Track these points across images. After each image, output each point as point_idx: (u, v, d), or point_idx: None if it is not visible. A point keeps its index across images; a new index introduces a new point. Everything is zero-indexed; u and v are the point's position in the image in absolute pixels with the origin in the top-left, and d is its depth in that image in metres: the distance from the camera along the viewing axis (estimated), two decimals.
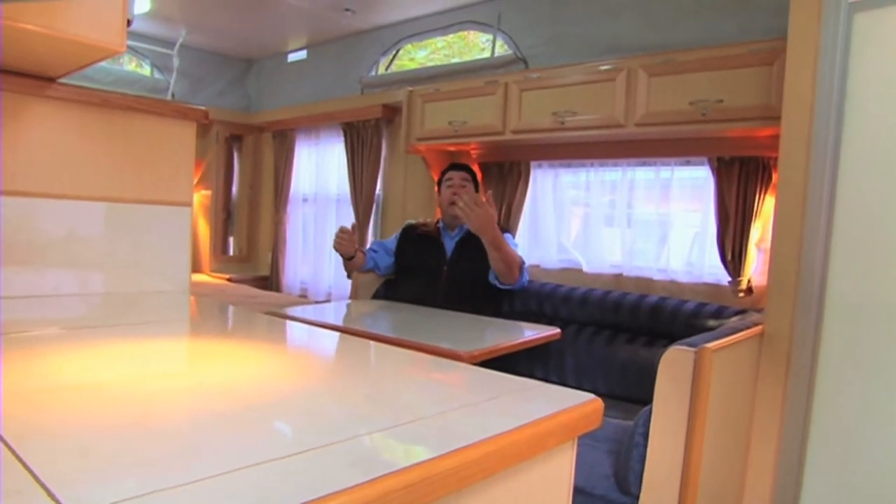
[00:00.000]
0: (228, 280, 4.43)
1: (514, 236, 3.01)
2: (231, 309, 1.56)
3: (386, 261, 2.95)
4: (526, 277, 2.70)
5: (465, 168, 2.86)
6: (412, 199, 3.70)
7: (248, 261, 4.87)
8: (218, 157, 4.60)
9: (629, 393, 2.50)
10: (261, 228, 4.84)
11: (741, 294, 2.40)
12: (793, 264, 1.82)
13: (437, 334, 2.14)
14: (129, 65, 4.42)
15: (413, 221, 3.58)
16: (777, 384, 1.79)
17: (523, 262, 2.66)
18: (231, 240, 4.94)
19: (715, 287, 2.54)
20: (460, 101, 2.98)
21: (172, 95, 4.19)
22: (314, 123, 4.24)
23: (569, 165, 2.99)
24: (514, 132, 2.78)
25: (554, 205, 3.06)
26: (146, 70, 4.42)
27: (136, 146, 1.48)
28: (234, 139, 4.77)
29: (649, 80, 2.34)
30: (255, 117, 4.60)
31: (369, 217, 3.91)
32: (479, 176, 3.03)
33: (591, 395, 0.79)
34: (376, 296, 3.07)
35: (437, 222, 2.90)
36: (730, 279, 2.43)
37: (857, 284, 1.71)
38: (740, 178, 2.37)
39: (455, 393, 0.83)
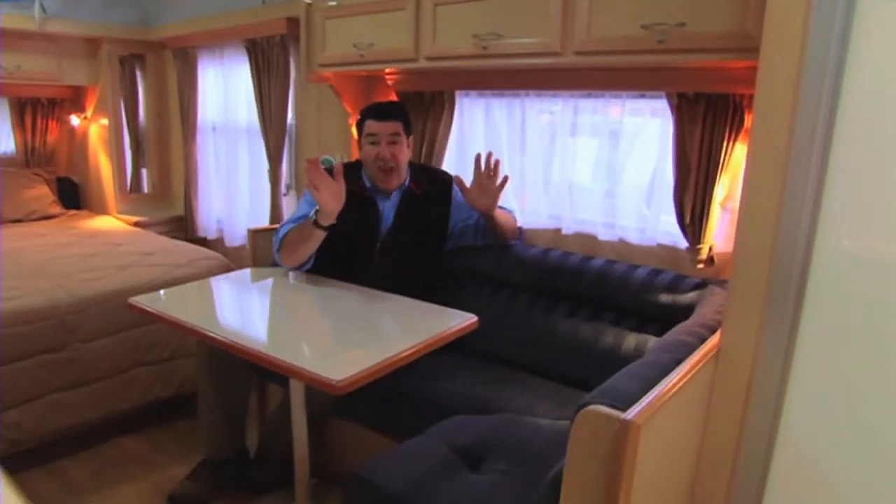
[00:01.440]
0: (135, 225, 3.89)
1: None
2: None
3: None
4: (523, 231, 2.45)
5: (394, 115, 2.23)
6: (329, 129, 3.14)
7: (161, 198, 4.31)
8: (113, 81, 3.93)
9: (566, 373, 2.11)
10: (173, 162, 4.24)
11: (700, 265, 1.96)
12: (766, 235, 1.35)
13: (322, 342, 1.68)
14: None
15: (329, 158, 3.05)
16: (731, 424, 1.38)
17: (515, 217, 2.39)
18: (145, 174, 4.35)
19: (672, 251, 2.10)
20: (365, 17, 2.38)
21: (42, 9, 3.47)
22: (217, 40, 3.57)
23: (501, 95, 2.45)
24: (429, 58, 2.22)
25: (486, 142, 2.54)
26: None
27: None
28: (136, 59, 4.07)
29: None
30: (153, 33, 3.89)
31: (282, 151, 3.35)
32: None
33: None
34: None
35: (359, 174, 2.34)
36: (687, 245, 1.98)
37: (854, 269, 1.26)
38: (705, 120, 1.87)
39: None
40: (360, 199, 2.28)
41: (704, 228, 1.92)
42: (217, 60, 3.69)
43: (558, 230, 2.34)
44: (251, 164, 3.61)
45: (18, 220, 3.85)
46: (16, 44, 3.53)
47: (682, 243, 2.01)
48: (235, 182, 3.72)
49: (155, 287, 2.66)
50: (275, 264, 2.29)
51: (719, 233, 1.96)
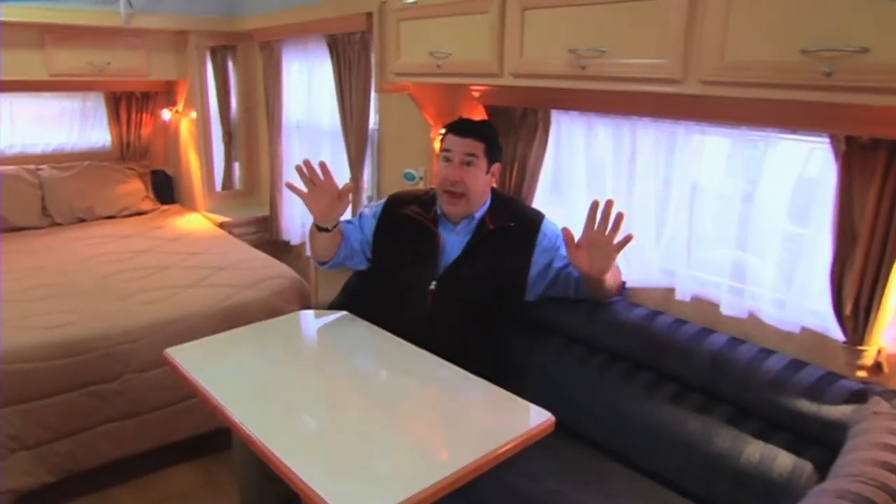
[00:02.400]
0: (220, 226, 3.76)
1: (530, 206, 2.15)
2: None
3: (361, 239, 2.09)
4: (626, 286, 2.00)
5: (476, 133, 1.93)
6: (411, 138, 2.79)
7: (249, 196, 4.17)
8: (201, 74, 3.78)
9: (663, 471, 1.70)
10: (260, 159, 4.07)
11: (861, 372, 1.44)
12: None
13: (347, 452, 1.34)
14: None
15: (413, 172, 2.73)
16: None
17: (618, 269, 1.92)
18: (237, 169, 4.21)
19: (821, 339, 1.58)
20: (442, 20, 1.99)
21: (129, 3, 3.35)
22: (300, 34, 3.31)
23: (607, 115, 1.98)
24: (514, 75, 1.80)
25: (588, 170, 2.09)
26: None
27: None
28: (228, 50, 3.90)
29: (729, 6, 1.29)
30: (238, 23, 3.70)
31: (363, 157, 3.05)
32: None
33: None
34: (346, 291, 2.31)
35: (434, 201, 2.03)
36: (845, 339, 1.47)
37: None
38: (886, 177, 1.34)
39: None
40: (416, 225, 1.97)
41: (872, 324, 1.39)
42: (301, 55, 3.44)
43: (670, 290, 1.87)
44: (333, 169, 3.33)
45: (111, 217, 3.83)
46: (104, 40, 3.46)
47: (837, 332, 1.50)
48: None
49: (210, 316, 2.49)
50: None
51: (893, 330, 1.43)
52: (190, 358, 1.73)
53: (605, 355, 1.91)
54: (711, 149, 1.77)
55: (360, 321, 1.96)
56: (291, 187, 1.91)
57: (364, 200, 3.16)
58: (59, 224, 3.66)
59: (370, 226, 2.10)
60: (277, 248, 3.81)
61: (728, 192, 1.76)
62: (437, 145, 2.34)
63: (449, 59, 1.97)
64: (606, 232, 1.63)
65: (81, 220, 3.74)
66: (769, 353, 1.60)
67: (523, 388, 2.00)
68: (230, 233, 3.70)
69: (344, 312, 2.05)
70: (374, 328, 1.90)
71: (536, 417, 1.47)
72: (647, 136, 1.87)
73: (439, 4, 1.98)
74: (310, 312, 2.13)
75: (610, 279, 1.78)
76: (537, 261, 1.93)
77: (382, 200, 2.18)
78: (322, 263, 2.11)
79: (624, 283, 1.93)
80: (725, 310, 1.73)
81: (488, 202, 2.01)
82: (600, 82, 1.58)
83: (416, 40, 2.11)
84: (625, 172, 1.96)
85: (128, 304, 2.50)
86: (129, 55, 3.57)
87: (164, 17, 3.50)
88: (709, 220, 1.80)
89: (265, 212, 3.92)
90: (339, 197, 1.89)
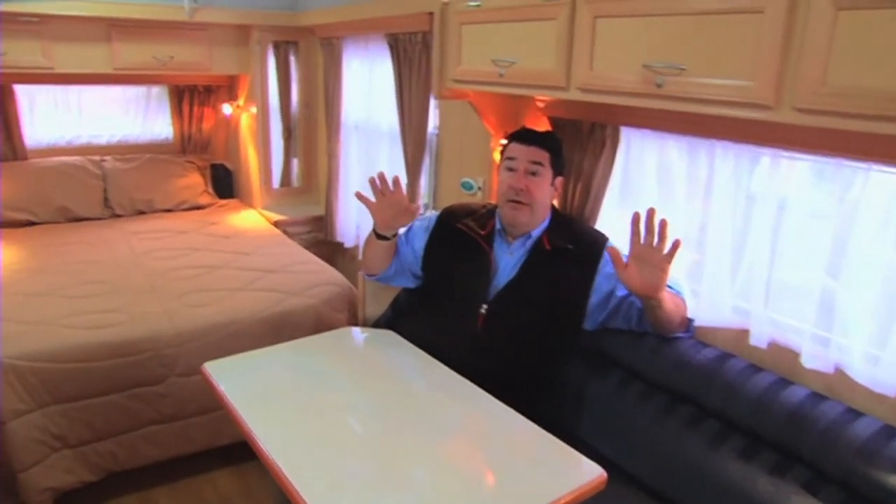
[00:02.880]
0: (275, 224, 3.73)
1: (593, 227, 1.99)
2: None
3: (410, 254, 2.03)
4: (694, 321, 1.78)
5: (542, 142, 1.83)
6: (471, 146, 2.67)
7: (306, 194, 4.13)
8: (262, 69, 3.75)
9: None
10: (318, 157, 4.03)
11: None
12: None
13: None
14: None
15: (471, 182, 2.60)
16: None
17: (684, 301, 1.76)
18: (295, 166, 4.18)
19: None
20: (507, 26, 1.86)
21: None
22: (361, 31, 3.23)
23: (682, 135, 1.81)
24: (582, 89, 1.65)
25: (660, 192, 1.92)
26: None
27: None
28: (290, 45, 3.86)
29: (835, 23, 1.11)
30: (301, 18, 3.65)
31: (420, 163, 2.95)
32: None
33: None
34: (395, 307, 2.21)
35: (492, 216, 1.93)
36: None
37: None
38: None
39: None
40: (468, 242, 1.88)
41: None
42: (362, 53, 3.36)
43: (744, 332, 1.69)
44: (391, 173, 3.24)
45: (169, 210, 3.86)
46: (168, 34, 3.47)
47: None
48: (370, 191, 3.39)
49: (256, 322, 2.45)
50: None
51: None
52: (226, 374, 1.70)
53: (668, 396, 1.75)
54: (800, 177, 1.58)
55: (405, 344, 1.87)
56: (360, 197, 1.90)
57: (420, 208, 3.06)
58: (119, 216, 3.71)
59: (421, 240, 2.01)
60: (331, 249, 3.76)
61: (819, 212, 1.56)
62: (497, 156, 2.21)
63: (512, 69, 1.83)
64: (653, 243, 1.52)
65: (141, 213, 3.78)
66: (857, 414, 1.42)
67: (576, 422, 1.88)
68: (285, 231, 3.67)
69: (388, 332, 1.97)
70: (420, 353, 1.80)
71: (588, 473, 1.33)
72: (727, 159, 1.69)
73: (504, 8, 1.84)
74: (353, 330, 2.05)
75: (669, 304, 1.62)
76: (598, 287, 1.79)
77: (436, 213, 2.08)
78: (371, 275, 2.05)
79: (691, 319, 1.76)
80: (807, 362, 1.54)
81: (547, 220, 1.88)
82: (678, 103, 1.42)
83: (478, 46, 1.98)
84: (700, 197, 1.78)
85: (175, 306, 2.47)
86: (191, 49, 3.57)
87: (227, 11, 3.49)
88: (794, 255, 1.61)
89: (321, 211, 3.87)
90: (407, 209, 1.87)
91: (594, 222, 2.03)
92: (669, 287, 1.66)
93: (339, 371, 1.76)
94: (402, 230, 1.98)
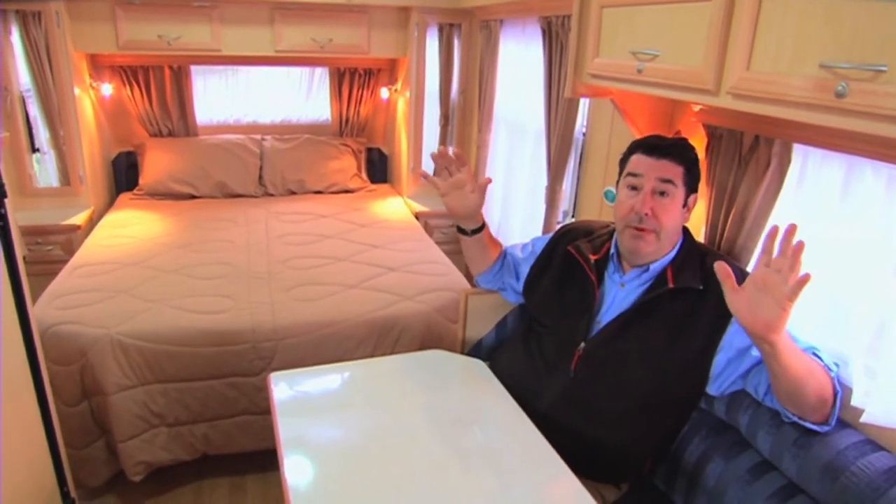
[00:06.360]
0: (416, 216, 3.59)
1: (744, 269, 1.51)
2: None
3: (516, 265, 1.82)
4: (838, 409, 1.25)
5: (673, 153, 1.47)
6: (620, 149, 2.27)
7: None
8: (419, 52, 3.60)
9: None
10: (470, 146, 3.81)
11: None
12: None
13: None
14: None
15: (613, 190, 2.25)
16: None
17: (837, 387, 1.23)
18: None
19: None
20: (653, 8, 1.47)
21: None
22: (518, 14, 2.93)
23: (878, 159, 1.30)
24: (735, 95, 1.23)
25: (841, 230, 1.42)
26: None
27: None
28: (453, 28, 3.66)
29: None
30: (460, 0, 3.43)
31: (565, 164, 2.61)
32: (699, 151, 1.56)
33: None
34: (499, 330, 1.96)
35: (611, 237, 1.62)
36: None
37: None
38: None
39: None
40: (575, 266, 1.59)
41: None
42: (519, 37, 3.05)
43: None
44: (532, 174, 2.95)
45: (319, 192, 3.89)
46: (329, 17, 3.45)
47: None
48: (513, 190, 3.12)
49: (359, 325, 2.35)
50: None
51: None
52: (287, 390, 1.56)
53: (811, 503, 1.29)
54: None
55: (492, 381, 1.62)
56: (427, 176, 1.69)
57: (560, 215, 2.73)
58: (270, 195, 3.80)
59: (530, 257, 1.75)
60: None
61: None
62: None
63: (652, 65, 1.45)
64: (782, 269, 1.09)
65: (292, 193, 3.85)
66: None
67: None
68: (426, 223, 3.53)
69: (478, 363, 1.71)
70: (504, 396, 1.54)
71: None
72: None
73: None
74: (442, 355, 1.80)
75: (795, 362, 1.15)
76: (730, 342, 1.37)
77: (556, 229, 1.79)
78: (481, 273, 1.85)
79: (837, 394, 1.24)
80: None
81: (675, 249, 1.49)
82: (861, 120, 0.97)
83: (618, 33, 1.61)
84: (888, 240, 1.28)
85: (281, 298, 2.41)
86: (350, 32, 3.51)
87: None
88: None
89: None
90: (473, 190, 1.64)
91: (746, 262, 1.57)
92: (809, 350, 1.23)
93: (405, 404, 1.53)
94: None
